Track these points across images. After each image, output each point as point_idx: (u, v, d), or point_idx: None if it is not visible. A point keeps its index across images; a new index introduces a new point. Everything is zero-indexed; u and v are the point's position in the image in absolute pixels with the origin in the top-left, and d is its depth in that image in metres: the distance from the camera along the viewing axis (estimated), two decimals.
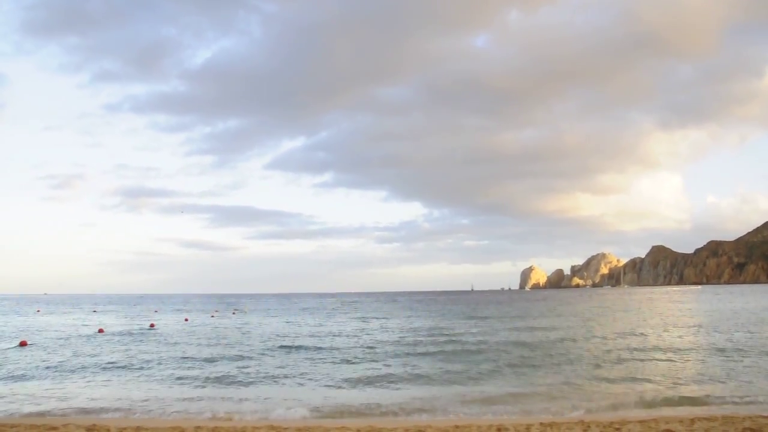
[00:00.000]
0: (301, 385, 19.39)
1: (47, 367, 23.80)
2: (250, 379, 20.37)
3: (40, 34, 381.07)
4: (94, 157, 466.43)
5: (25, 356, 27.78)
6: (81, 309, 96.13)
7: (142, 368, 23.16)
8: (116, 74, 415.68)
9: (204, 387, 19.16)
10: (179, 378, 20.81)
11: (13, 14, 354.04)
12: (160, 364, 24.28)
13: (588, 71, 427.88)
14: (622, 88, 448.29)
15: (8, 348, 31.57)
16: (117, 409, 15.84)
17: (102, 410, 15.74)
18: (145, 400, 17.02)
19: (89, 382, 20.42)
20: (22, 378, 21.35)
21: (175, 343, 33.03)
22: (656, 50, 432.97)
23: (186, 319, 60.78)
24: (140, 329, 45.74)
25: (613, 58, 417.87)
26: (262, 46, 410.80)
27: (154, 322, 53.94)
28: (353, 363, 24.09)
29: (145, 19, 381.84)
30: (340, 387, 18.92)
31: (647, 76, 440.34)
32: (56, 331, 44.67)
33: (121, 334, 40.98)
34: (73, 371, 22.76)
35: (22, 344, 32.82)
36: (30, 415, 15.34)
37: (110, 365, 24.25)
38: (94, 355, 27.88)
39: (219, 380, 20.18)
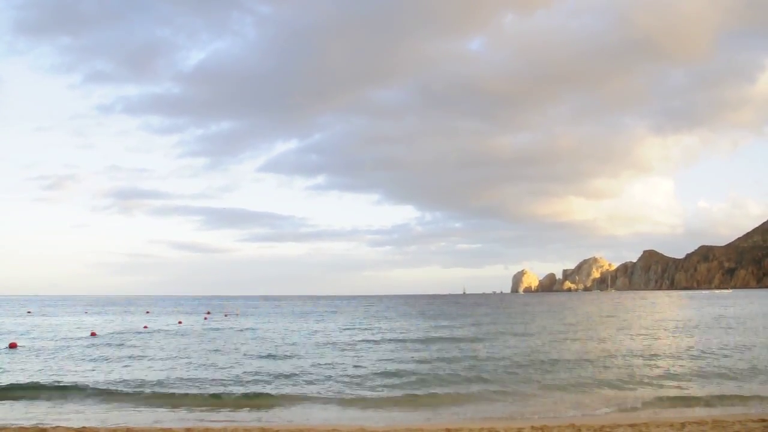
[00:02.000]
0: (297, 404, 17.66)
1: (38, 372, 23.47)
2: (245, 392, 19.16)
3: (33, 34, 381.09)
4: (86, 158, 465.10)
5: (15, 359, 27.55)
6: (73, 310, 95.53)
7: (135, 381, 21.43)
8: (109, 75, 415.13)
9: (201, 403, 17.68)
10: (173, 394, 18.89)
11: (4, 14, 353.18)
12: (155, 380, 21.71)
13: (582, 75, 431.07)
14: (616, 92, 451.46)
15: None
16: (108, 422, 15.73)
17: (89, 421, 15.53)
18: (135, 413, 16.32)
19: (81, 390, 19.57)
20: (12, 382, 20.87)
21: (170, 350, 32.85)
22: (650, 55, 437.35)
23: (180, 322, 60.64)
24: (134, 332, 45.53)
25: (608, 62, 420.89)
26: (256, 47, 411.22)
27: (148, 325, 53.74)
28: (353, 381, 21.43)
29: (138, 19, 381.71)
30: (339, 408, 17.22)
31: (641, 81, 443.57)
32: (48, 333, 44.35)
33: (114, 337, 40.79)
34: (64, 376, 22.38)
35: (12, 346, 32.46)
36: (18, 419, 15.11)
37: (103, 372, 24.11)
38: (88, 361, 27.66)
39: (214, 396, 18.48)
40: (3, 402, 17.57)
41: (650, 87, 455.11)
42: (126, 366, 25.10)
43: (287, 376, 22.07)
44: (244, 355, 29.00)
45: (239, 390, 19.31)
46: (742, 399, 17.12)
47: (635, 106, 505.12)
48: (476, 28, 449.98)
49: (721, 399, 17.21)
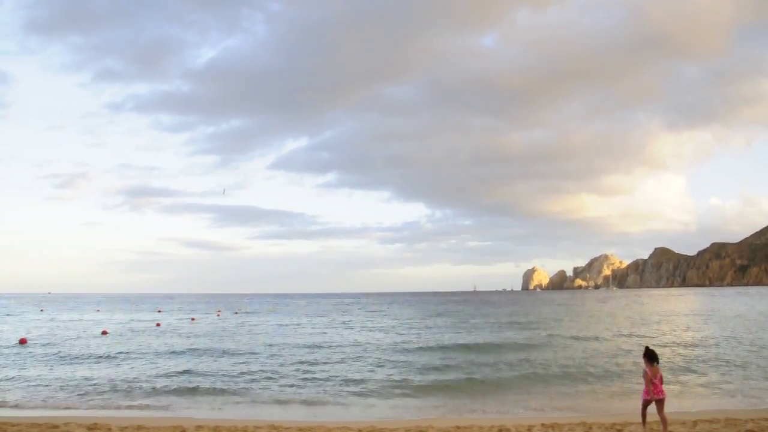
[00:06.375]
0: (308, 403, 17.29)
1: (48, 368, 23.73)
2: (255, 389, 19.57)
3: (44, 33, 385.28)
4: (97, 156, 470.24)
5: (25, 355, 27.89)
6: (84, 308, 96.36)
7: (147, 377, 21.43)
8: (119, 73, 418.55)
9: (215, 397, 17.85)
10: (186, 390, 18.89)
11: (16, 13, 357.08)
12: (167, 377, 21.53)
13: (596, 71, 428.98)
14: (630, 88, 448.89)
15: (8, 346, 31.76)
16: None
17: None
18: (146, 410, 16.32)
19: (92, 386, 19.81)
20: (22, 378, 21.15)
21: (184, 347, 33.01)
22: (664, 50, 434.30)
23: (193, 319, 61.11)
24: (147, 329, 45.91)
25: (621, 58, 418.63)
26: (267, 45, 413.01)
27: (161, 322, 54.09)
28: (363, 382, 20.32)
29: (148, 17, 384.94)
30: None
31: (655, 77, 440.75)
32: (60, 330, 44.69)
33: (127, 334, 41.14)
34: (75, 372, 22.62)
35: (22, 341, 33.15)
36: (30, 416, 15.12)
37: (115, 368, 24.35)
38: (99, 357, 27.81)
39: (224, 393, 18.58)
40: (14, 399, 17.72)
41: (664, 82, 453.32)
42: (138, 363, 25.31)
43: (296, 375, 22.12)
44: (257, 353, 29.08)
45: (249, 387, 19.46)
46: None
47: (649, 102, 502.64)
48: (489, 24, 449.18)
49: (734, 396, 17.16)
